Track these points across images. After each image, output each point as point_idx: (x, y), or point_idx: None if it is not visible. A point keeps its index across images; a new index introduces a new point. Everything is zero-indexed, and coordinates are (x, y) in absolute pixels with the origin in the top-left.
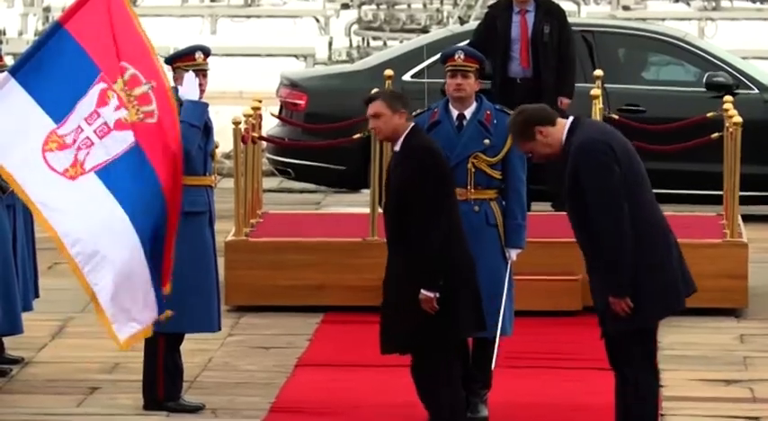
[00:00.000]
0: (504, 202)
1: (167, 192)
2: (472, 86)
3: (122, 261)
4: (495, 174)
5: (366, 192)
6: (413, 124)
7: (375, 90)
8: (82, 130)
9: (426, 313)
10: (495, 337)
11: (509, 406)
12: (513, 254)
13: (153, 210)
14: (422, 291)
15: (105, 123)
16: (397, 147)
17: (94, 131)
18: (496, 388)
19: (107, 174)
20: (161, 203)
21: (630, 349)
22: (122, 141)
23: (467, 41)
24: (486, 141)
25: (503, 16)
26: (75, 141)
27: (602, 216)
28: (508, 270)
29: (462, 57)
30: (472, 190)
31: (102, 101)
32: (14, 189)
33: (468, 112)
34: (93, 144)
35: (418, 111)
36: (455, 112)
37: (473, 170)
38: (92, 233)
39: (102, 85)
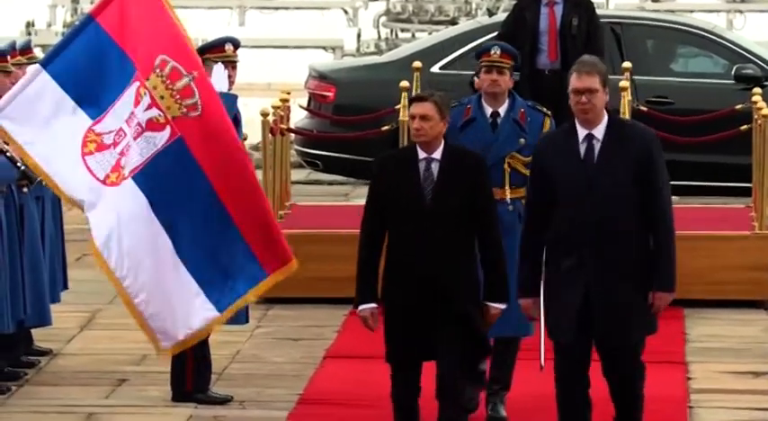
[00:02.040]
0: None
1: (217, 186)
2: (507, 83)
3: (158, 277)
4: (527, 173)
5: None
6: None
7: (426, 90)
8: (125, 134)
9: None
10: (515, 336)
11: (527, 397)
12: None
13: (197, 207)
14: (496, 305)
15: (139, 124)
16: (436, 155)
17: (132, 134)
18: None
19: (143, 177)
20: (208, 199)
21: (638, 360)
22: (153, 143)
23: (495, 33)
24: (522, 140)
25: (531, 8)
26: (116, 144)
27: (669, 207)
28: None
29: (498, 52)
30: (509, 190)
31: (136, 100)
32: (44, 179)
33: (501, 110)
34: (130, 147)
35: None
36: (489, 110)
37: (509, 170)
38: (129, 244)
39: (137, 84)
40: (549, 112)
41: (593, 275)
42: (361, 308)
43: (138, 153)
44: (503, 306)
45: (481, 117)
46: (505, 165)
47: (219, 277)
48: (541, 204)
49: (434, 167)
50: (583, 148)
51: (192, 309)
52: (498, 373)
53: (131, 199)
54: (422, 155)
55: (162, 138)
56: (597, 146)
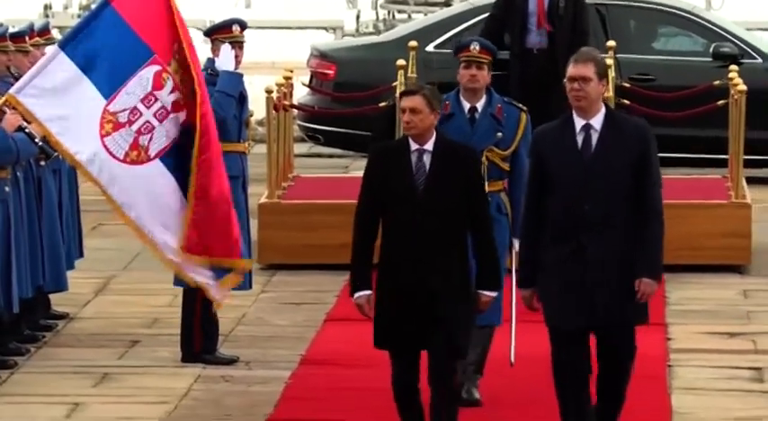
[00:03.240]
0: (510, 193)
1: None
2: (485, 78)
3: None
4: (505, 167)
5: None
6: None
7: (415, 84)
8: (141, 114)
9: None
10: (486, 325)
11: (532, 359)
12: (517, 243)
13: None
14: (488, 293)
15: (164, 107)
16: (428, 146)
17: (154, 115)
18: (521, 341)
19: (169, 159)
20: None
21: (633, 339)
22: (178, 122)
23: (487, 14)
24: (499, 135)
25: None
26: (131, 123)
27: (660, 197)
28: (512, 259)
29: (477, 48)
30: (487, 183)
31: (158, 84)
32: (62, 154)
33: (479, 105)
34: (154, 128)
35: None
36: (467, 105)
37: (487, 163)
38: (153, 215)
39: (156, 68)
40: (525, 108)
41: (590, 262)
42: (356, 295)
43: (164, 135)
44: (494, 294)
45: (459, 112)
46: (483, 159)
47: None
48: (540, 194)
49: (426, 158)
50: (580, 139)
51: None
52: (472, 357)
53: (159, 178)
54: (414, 146)
55: (182, 118)
56: (595, 136)
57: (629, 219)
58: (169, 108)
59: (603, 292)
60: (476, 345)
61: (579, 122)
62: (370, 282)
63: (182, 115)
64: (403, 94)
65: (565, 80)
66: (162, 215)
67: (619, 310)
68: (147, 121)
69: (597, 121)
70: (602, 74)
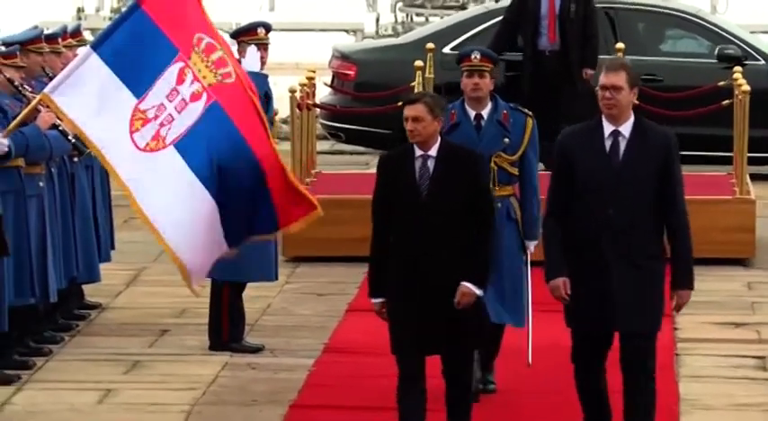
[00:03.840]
0: (520, 196)
1: (253, 144)
2: (488, 85)
3: (194, 221)
4: (514, 171)
5: None
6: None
7: (418, 92)
8: (165, 108)
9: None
10: (500, 324)
11: (551, 348)
12: (532, 246)
13: (237, 162)
14: (469, 286)
15: (183, 99)
16: (432, 152)
17: (174, 108)
18: (537, 331)
19: (182, 145)
20: (247, 155)
21: (653, 346)
22: (194, 111)
23: (501, 17)
24: (506, 140)
25: None
26: (157, 117)
27: (684, 208)
28: (528, 262)
29: (478, 57)
30: (496, 187)
31: (180, 79)
32: (93, 151)
33: (485, 112)
34: (173, 119)
35: None
36: (472, 113)
37: (495, 169)
38: (168, 204)
39: (180, 64)
40: (531, 113)
41: (613, 267)
42: (373, 301)
43: (181, 124)
44: (478, 291)
45: (465, 120)
46: (492, 164)
47: (243, 228)
48: (565, 194)
49: (430, 164)
50: (608, 144)
51: (214, 253)
52: (485, 357)
53: (169, 163)
54: (418, 152)
55: (199, 106)
56: (623, 143)
57: (652, 224)
58: (187, 99)
59: (624, 295)
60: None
61: (608, 128)
62: (384, 288)
63: (200, 102)
64: (405, 103)
65: (597, 87)
66: (173, 212)
67: (640, 312)
68: (169, 114)
69: (626, 129)
70: (633, 82)
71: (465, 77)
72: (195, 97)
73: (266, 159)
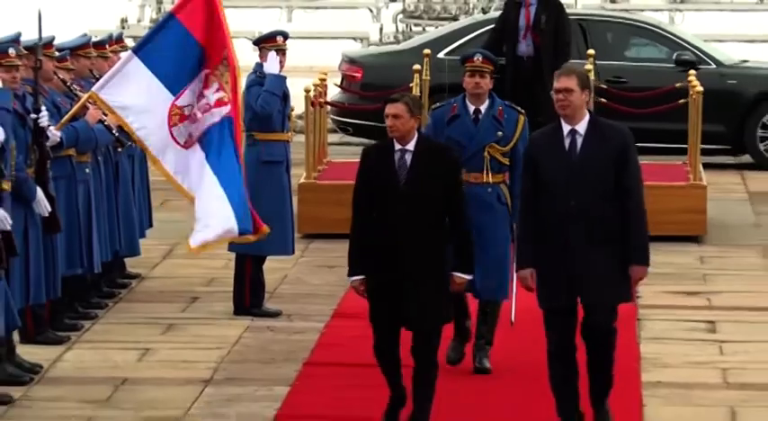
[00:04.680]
0: (509, 183)
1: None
2: (487, 84)
3: (210, 202)
4: (505, 161)
5: None
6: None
7: (398, 93)
8: (194, 108)
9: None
10: (497, 300)
11: (532, 309)
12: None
13: (232, 169)
14: (462, 275)
15: (207, 103)
16: (410, 146)
17: (200, 109)
18: (520, 296)
19: (204, 142)
20: (237, 169)
21: (614, 321)
22: (216, 115)
23: (489, 27)
24: (500, 133)
25: (514, 9)
26: (190, 116)
27: (641, 194)
28: (514, 239)
29: (480, 59)
30: (489, 175)
31: (206, 84)
32: (135, 142)
33: (483, 108)
34: (197, 120)
35: (437, 104)
36: (472, 107)
37: (488, 158)
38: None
39: (206, 71)
40: (524, 111)
41: (578, 252)
42: (351, 279)
43: (204, 124)
44: (468, 277)
45: (465, 114)
46: (485, 154)
47: (242, 212)
48: (534, 190)
49: (408, 157)
50: (567, 142)
51: (224, 225)
52: (483, 331)
53: (197, 158)
54: (397, 146)
55: (222, 111)
56: (580, 140)
57: (611, 211)
58: (212, 104)
59: (589, 276)
60: (486, 321)
61: (566, 128)
62: (363, 267)
63: (224, 109)
64: (387, 102)
65: (551, 91)
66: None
67: (602, 289)
68: (195, 113)
69: (582, 127)
70: (584, 85)
71: (467, 76)
72: (219, 104)
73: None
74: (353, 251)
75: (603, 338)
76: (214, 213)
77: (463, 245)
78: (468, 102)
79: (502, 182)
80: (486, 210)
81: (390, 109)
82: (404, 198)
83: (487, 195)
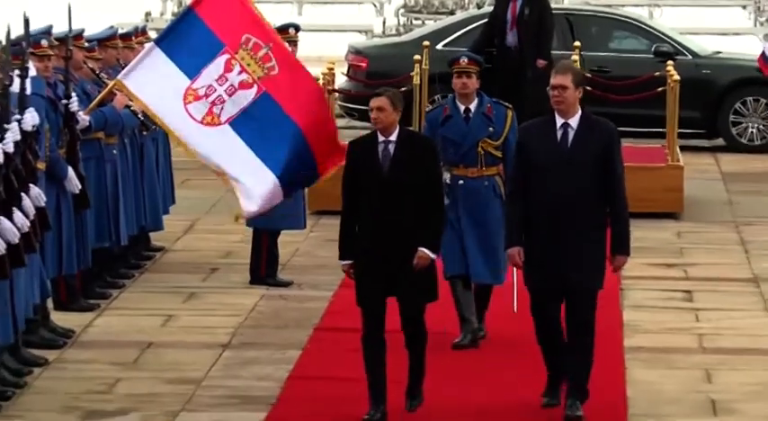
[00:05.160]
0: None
1: (300, 122)
2: (474, 84)
3: (252, 182)
4: (498, 154)
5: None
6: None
7: (382, 88)
8: (215, 89)
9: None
10: (491, 285)
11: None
12: None
13: (284, 139)
14: (427, 251)
15: (232, 85)
16: (392, 137)
17: (225, 91)
18: (522, 283)
19: (238, 123)
20: (293, 132)
21: (594, 301)
22: (245, 97)
23: (483, 20)
24: (491, 129)
25: (503, 3)
26: (208, 96)
27: (623, 187)
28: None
29: (466, 61)
30: (483, 168)
31: (228, 68)
32: (158, 124)
33: (472, 106)
34: (225, 101)
35: (430, 107)
36: (462, 107)
37: (482, 152)
38: (227, 163)
39: (226, 56)
40: (511, 106)
41: (563, 234)
42: (341, 262)
43: (233, 105)
44: (432, 255)
45: (456, 113)
46: (479, 149)
47: (293, 179)
48: (523, 176)
49: (391, 147)
50: (560, 134)
51: (271, 198)
52: (479, 312)
53: (230, 139)
54: (381, 138)
55: (251, 94)
56: (571, 133)
57: (596, 200)
58: (236, 86)
59: (573, 260)
60: (480, 303)
61: (560, 121)
62: (352, 251)
63: (251, 91)
64: (372, 96)
65: (548, 88)
66: (230, 164)
67: (585, 273)
68: (220, 95)
69: (574, 121)
70: (578, 82)
71: (455, 78)
72: (244, 86)
73: (310, 127)
74: (343, 237)
75: (584, 326)
76: (260, 189)
77: (434, 225)
78: (458, 102)
79: (496, 174)
80: (483, 201)
81: (375, 102)
82: (389, 185)
83: (483, 188)
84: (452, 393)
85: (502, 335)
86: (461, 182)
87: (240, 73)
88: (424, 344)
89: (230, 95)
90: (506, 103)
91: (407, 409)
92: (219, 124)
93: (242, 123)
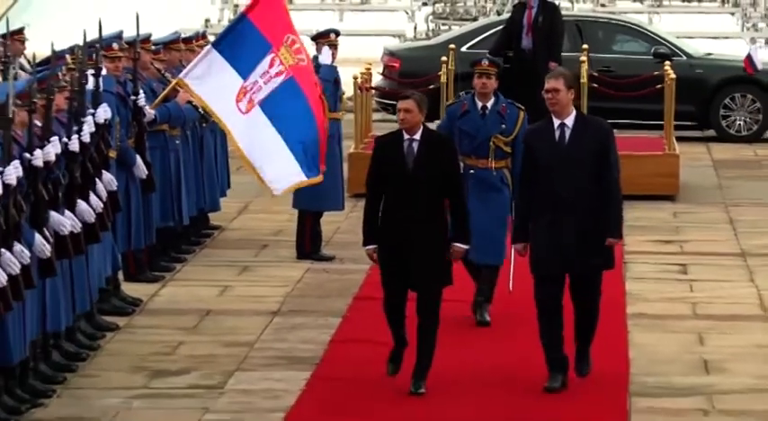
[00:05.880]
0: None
1: (314, 107)
2: (493, 85)
3: (274, 161)
4: (507, 150)
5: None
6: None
7: (409, 91)
8: (257, 82)
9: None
10: (496, 265)
11: (528, 277)
12: None
13: (302, 121)
14: (460, 245)
15: (269, 75)
16: (416, 136)
17: (264, 82)
18: (517, 265)
19: (267, 103)
20: (309, 116)
21: (599, 280)
22: (276, 82)
23: (502, 26)
24: (503, 126)
25: (520, 11)
26: (252, 90)
27: (618, 178)
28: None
29: (486, 63)
30: (493, 161)
31: (271, 64)
32: (214, 119)
33: (489, 104)
34: (261, 88)
35: (450, 102)
36: (479, 104)
37: (493, 146)
38: (257, 151)
39: (271, 55)
40: (524, 108)
41: (565, 224)
42: (365, 248)
43: (266, 90)
44: (466, 246)
45: (474, 109)
46: (491, 143)
47: (307, 161)
48: (530, 174)
49: (415, 145)
50: (557, 134)
51: (289, 176)
52: (484, 290)
53: (261, 121)
54: (406, 136)
55: (279, 79)
56: (568, 132)
57: (593, 192)
58: (273, 75)
59: (574, 247)
60: (486, 282)
61: (557, 122)
62: (375, 237)
63: (281, 77)
64: (399, 98)
65: (543, 91)
66: (260, 151)
67: (588, 261)
68: (258, 83)
69: (570, 121)
70: (569, 85)
71: (476, 78)
72: (278, 74)
73: (319, 118)
74: (367, 224)
75: (591, 303)
76: (282, 170)
77: (461, 220)
78: (476, 99)
79: (505, 167)
80: (491, 189)
81: (403, 104)
82: (412, 179)
83: (492, 178)
84: (453, 364)
85: (499, 313)
86: (472, 171)
87: (279, 65)
88: (435, 331)
89: (266, 83)
90: (520, 105)
91: (414, 391)
92: (253, 108)
93: (270, 104)
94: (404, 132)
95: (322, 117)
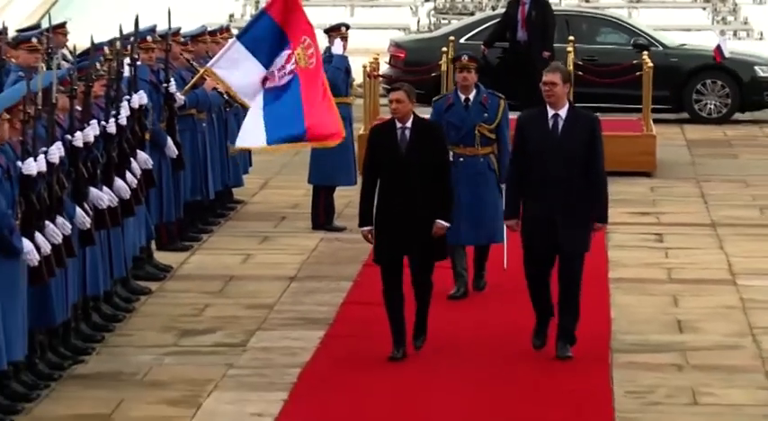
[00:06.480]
0: (497, 153)
1: (306, 108)
2: (473, 78)
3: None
4: (492, 136)
5: None
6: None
7: (400, 82)
8: (274, 73)
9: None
10: (487, 244)
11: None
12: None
13: (289, 121)
14: (442, 222)
15: (284, 72)
16: (408, 124)
17: (279, 75)
18: (510, 244)
19: (267, 94)
20: (299, 117)
21: (582, 263)
22: (285, 79)
23: (497, 20)
24: (486, 115)
25: (514, 7)
26: (270, 78)
27: (603, 166)
28: (503, 196)
29: (466, 58)
30: (479, 148)
31: (288, 60)
32: (239, 103)
33: (471, 96)
34: (275, 79)
35: (436, 97)
36: (462, 97)
37: (479, 135)
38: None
39: (288, 51)
40: (503, 96)
41: (555, 206)
42: (361, 228)
43: (277, 83)
44: (447, 224)
45: (458, 102)
46: (476, 132)
47: (285, 130)
48: (521, 158)
49: (407, 133)
50: (551, 123)
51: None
52: (478, 265)
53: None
54: (398, 125)
55: (289, 77)
56: (561, 122)
57: (582, 178)
58: (287, 72)
59: (564, 227)
60: (481, 259)
61: (551, 112)
62: (371, 219)
63: (291, 76)
64: (391, 90)
65: (540, 83)
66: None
67: (574, 238)
68: (275, 75)
69: (563, 112)
70: (565, 79)
71: (457, 72)
72: (290, 73)
73: (310, 98)
74: (363, 207)
75: (573, 283)
76: (251, 130)
77: (446, 199)
78: (459, 92)
79: (491, 152)
80: (479, 175)
81: (394, 95)
82: (405, 164)
83: (480, 164)
84: (452, 330)
85: (494, 287)
86: (461, 159)
87: (293, 64)
88: (430, 293)
89: (280, 78)
90: (500, 94)
91: (415, 347)
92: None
93: (269, 94)
94: (396, 121)
95: (316, 119)
